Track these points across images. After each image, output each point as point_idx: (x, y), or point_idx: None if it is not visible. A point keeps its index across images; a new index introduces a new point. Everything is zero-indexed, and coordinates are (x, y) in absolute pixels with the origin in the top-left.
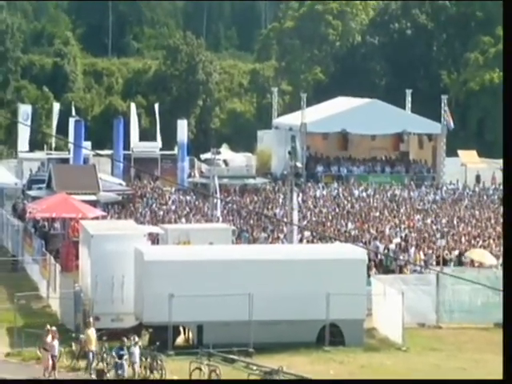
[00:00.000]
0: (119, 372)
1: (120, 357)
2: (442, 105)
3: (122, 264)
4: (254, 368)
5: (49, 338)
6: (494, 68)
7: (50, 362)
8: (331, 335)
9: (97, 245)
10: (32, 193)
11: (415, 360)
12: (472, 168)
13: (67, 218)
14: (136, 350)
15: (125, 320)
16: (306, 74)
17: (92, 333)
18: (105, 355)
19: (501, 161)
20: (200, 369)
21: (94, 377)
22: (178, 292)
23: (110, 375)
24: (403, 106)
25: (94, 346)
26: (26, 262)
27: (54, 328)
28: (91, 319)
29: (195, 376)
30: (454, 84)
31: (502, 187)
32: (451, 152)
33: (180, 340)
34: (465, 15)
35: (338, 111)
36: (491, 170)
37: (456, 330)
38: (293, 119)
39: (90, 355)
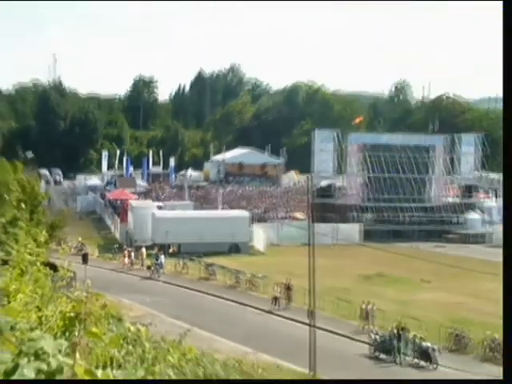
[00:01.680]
0: (158, 265)
1: (157, 258)
2: (281, 151)
3: (146, 218)
4: (202, 263)
5: (126, 252)
6: (308, 136)
7: (127, 260)
8: (234, 249)
9: (135, 210)
10: (108, 188)
11: (270, 259)
12: (295, 178)
13: (123, 198)
14: (162, 256)
15: (147, 242)
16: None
17: (143, 249)
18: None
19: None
20: (179, 263)
21: (145, 269)
22: (169, 229)
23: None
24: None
25: (144, 255)
26: (106, 218)
27: (130, 248)
28: (148, 245)
29: (177, 266)
30: (289, 142)
31: (306, 184)
32: (286, 171)
33: (170, 250)
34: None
35: (238, 154)
36: (304, 178)
37: (286, 246)
38: (219, 157)
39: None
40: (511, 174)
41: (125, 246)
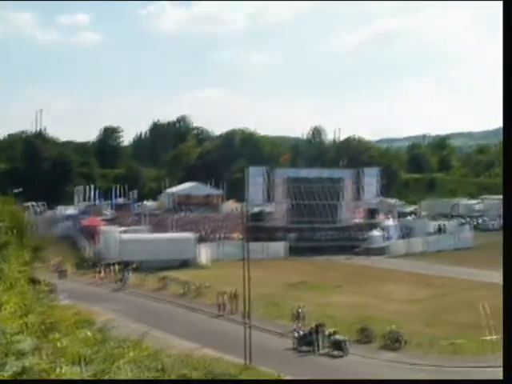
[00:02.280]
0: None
1: (123, 274)
2: (221, 184)
3: (113, 240)
4: (158, 276)
5: (101, 268)
6: (243, 172)
7: (102, 275)
8: (184, 263)
9: (104, 234)
10: (82, 216)
11: (213, 271)
12: (233, 206)
13: (94, 224)
14: (129, 272)
15: (114, 260)
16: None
17: (115, 266)
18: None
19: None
20: (140, 277)
21: (117, 282)
22: (132, 249)
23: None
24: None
25: (116, 270)
26: (81, 241)
27: (104, 265)
28: (116, 262)
29: (136, 278)
30: (227, 177)
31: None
32: (225, 200)
33: (134, 266)
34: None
35: (187, 187)
36: (240, 206)
37: (226, 261)
38: (171, 190)
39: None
40: (511, 174)
41: (99, 264)
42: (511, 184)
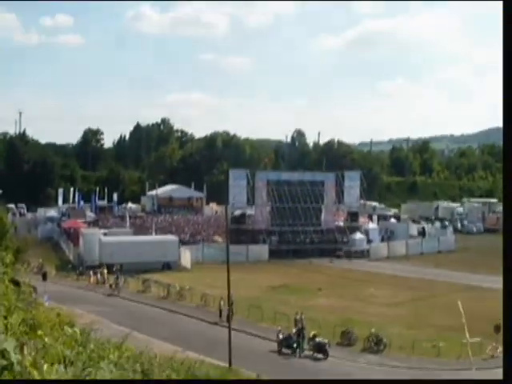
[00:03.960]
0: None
1: (117, 277)
2: (203, 187)
3: (94, 243)
4: (140, 278)
5: (91, 271)
6: (225, 174)
7: (93, 279)
8: (166, 266)
9: (85, 236)
10: (63, 218)
11: (195, 274)
12: (215, 208)
13: (75, 227)
14: (121, 276)
15: (95, 262)
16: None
17: (104, 269)
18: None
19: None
20: (117, 278)
21: (111, 286)
22: (113, 252)
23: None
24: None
25: (106, 274)
26: (62, 243)
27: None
28: (106, 267)
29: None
30: (209, 180)
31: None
32: (207, 203)
33: (114, 268)
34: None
35: (169, 189)
36: (222, 208)
37: (208, 264)
38: (153, 192)
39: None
40: (511, 176)
41: (83, 268)
42: (511, 185)
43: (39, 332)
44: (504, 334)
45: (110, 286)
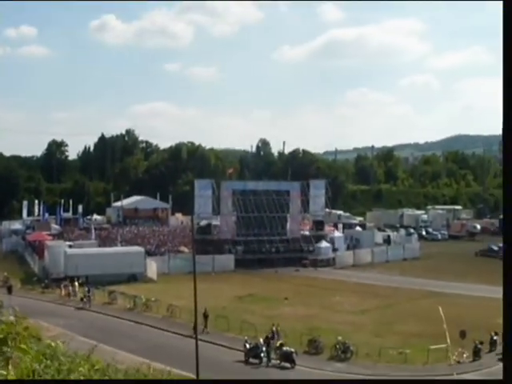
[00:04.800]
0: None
1: (88, 290)
2: (168, 197)
3: (59, 255)
4: (106, 290)
5: (62, 285)
6: (190, 185)
7: (64, 292)
8: (132, 278)
9: (50, 249)
10: (28, 231)
11: (161, 285)
12: (180, 219)
13: (40, 239)
14: (92, 289)
15: (60, 274)
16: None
17: (75, 282)
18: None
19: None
20: (89, 291)
21: (82, 299)
22: (79, 264)
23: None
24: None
25: (77, 287)
26: (27, 256)
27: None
28: (76, 279)
29: (82, 293)
30: (174, 190)
31: (189, 224)
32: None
33: (80, 281)
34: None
35: (134, 200)
36: (187, 219)
37: (175, 275)
38: (118, 204)
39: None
40: (511, 178)
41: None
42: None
43: (5, 348)
44: (504, 334)
45: (81, 299)
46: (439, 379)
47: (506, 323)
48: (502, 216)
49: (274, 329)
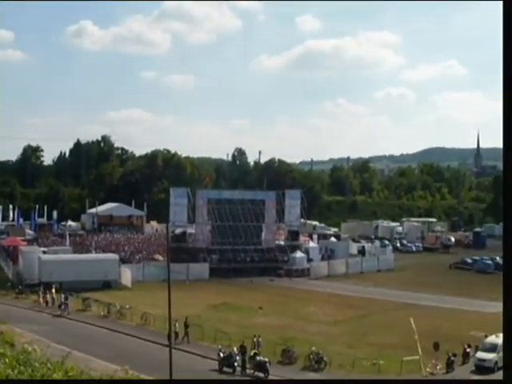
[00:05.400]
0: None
1: (66, 298)
2: (144, 205)
3: (33, 261)
4: (80, 297)
5: (41, 292)
6: (165, 192)
7: (42, 299)
8: (106, 285)
9: (24, 254)
10: (2, 236)
11: (136, 293)
12: (155, 227)
13: (15, 244)
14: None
15: (34, 280)
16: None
17: (53, 289)
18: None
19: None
20: (66, 298)
21: (60, 306)
22: (53, 270)
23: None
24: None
25: (54, 293)
26: (1, 261)
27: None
28: (53, 286)
29: (57, 300)
30: (150, 198)
31: (164, 232)
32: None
33: (54, 287)
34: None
35: (109, 207)
36: (162, 227)
37: (149, 283)
38: (93, 210)
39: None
40: (511, 178)
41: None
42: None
43: None
44: (504, 334)
45: (59, 306)
46: (439, 379)
47: (506, 326)
48: (476, 229)
49: (255, 340)
